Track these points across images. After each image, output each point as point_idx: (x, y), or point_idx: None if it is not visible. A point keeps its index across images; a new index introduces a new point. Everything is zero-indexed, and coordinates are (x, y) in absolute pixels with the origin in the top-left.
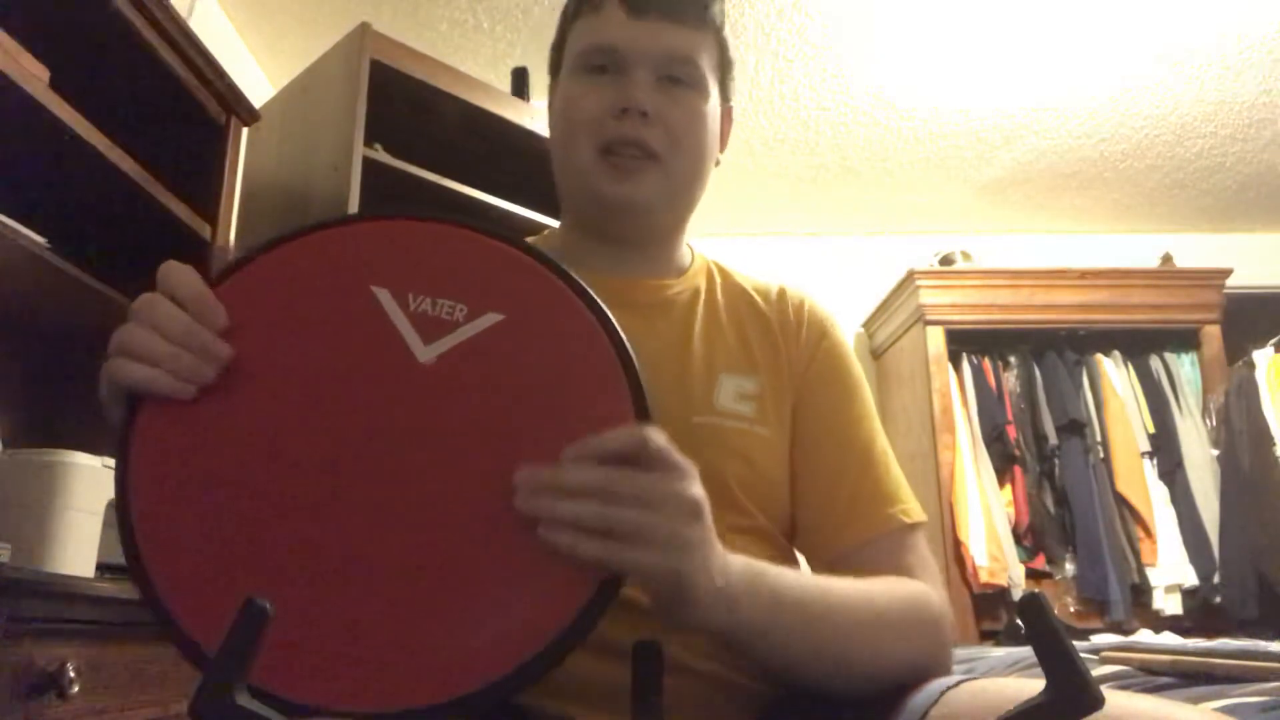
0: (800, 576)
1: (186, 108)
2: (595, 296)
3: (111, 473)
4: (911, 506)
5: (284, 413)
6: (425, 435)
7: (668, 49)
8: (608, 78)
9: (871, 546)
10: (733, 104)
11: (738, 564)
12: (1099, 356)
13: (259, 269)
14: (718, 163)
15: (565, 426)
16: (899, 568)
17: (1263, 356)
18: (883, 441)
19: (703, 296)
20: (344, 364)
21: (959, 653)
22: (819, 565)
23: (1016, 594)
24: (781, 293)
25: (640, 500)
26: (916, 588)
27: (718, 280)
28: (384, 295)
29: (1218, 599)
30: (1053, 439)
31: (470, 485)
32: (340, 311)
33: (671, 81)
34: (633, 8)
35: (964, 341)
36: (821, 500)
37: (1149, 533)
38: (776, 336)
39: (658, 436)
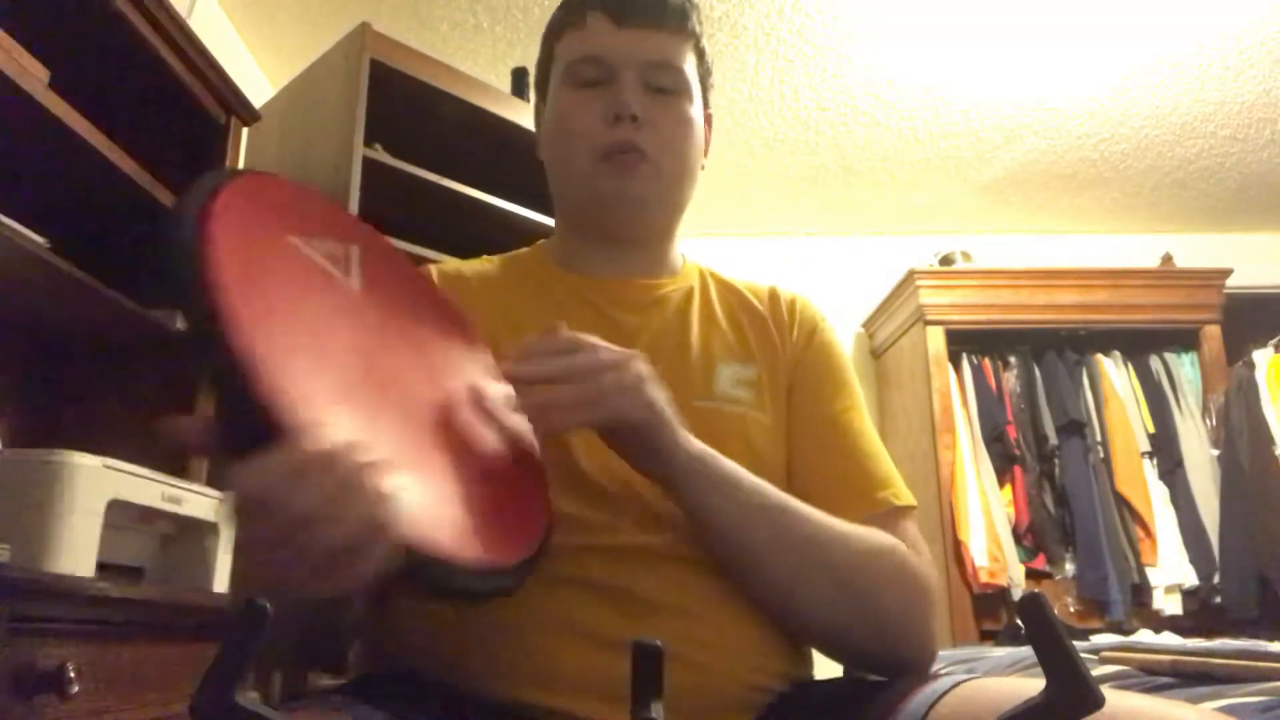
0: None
1: (186, 108)
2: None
3: (112, 473)
4: (902, 490)
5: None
6: (404, 350)
7: (652, 55)
8: (598, 89)
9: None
10: (711, 111)
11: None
12: (1099, 356)
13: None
14: (702, 167)
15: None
16: None
17: (1263, 356)
18: (872, 433)
19: (697, 295)
20: (323, 304)
21: (959, 653)
22: None
23: (1016, 594)
24: (774, 292)
25: (603, 368)
26: (896, 542)
27: (710, 282)
28: (298, 242)
29: (1218, 599)
30: (1053, 439)
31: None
32: (285, 262)
33: (658, 88)
34: (617, 18)
35: (964, 341)
36: (812, 486)
37: (1149, 533)
38: (771, 331)
39: (575, 332)
